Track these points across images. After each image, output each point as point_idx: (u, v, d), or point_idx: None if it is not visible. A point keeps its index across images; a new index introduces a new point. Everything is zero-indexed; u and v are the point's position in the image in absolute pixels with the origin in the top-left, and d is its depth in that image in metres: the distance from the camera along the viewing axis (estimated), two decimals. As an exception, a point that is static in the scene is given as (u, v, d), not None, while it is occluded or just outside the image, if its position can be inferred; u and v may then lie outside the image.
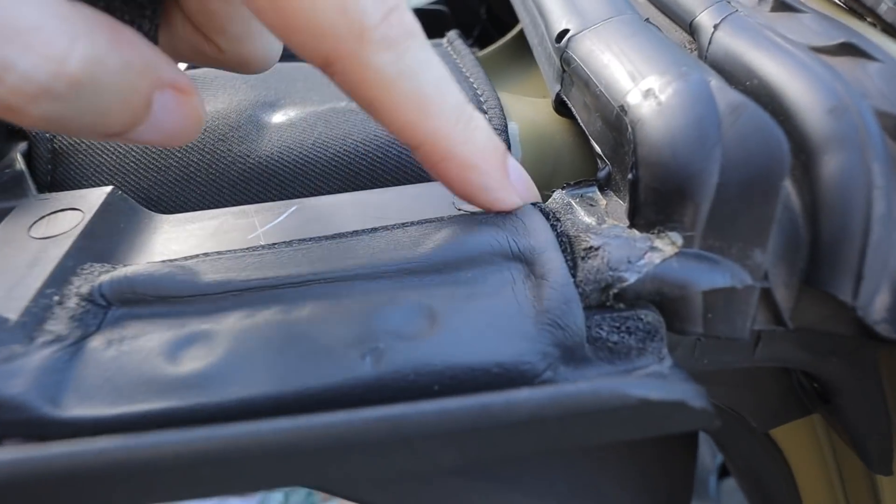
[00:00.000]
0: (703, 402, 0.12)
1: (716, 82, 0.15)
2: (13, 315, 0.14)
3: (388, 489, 0.24)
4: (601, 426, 0.12)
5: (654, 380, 0.12)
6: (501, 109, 0.22)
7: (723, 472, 0.58)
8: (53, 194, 0.19)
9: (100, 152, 0.22)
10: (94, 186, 0.22)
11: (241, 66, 0.18)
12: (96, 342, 0.14)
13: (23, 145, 0.22)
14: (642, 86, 0.16)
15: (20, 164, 0.21)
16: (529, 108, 0.24)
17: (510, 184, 0.16)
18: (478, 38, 0.38)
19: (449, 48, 0.28)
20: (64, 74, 0.12)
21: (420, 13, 0.35)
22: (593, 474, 0.28)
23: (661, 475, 0.30)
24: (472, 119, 0.15)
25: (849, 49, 0.16)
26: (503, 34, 0.35)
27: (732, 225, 0.14)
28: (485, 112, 0.23)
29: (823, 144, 0.15)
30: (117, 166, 0.22)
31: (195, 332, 0.14)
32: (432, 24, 0.35)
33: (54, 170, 0.22)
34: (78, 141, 0.22)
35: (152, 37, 0.15)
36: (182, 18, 0.16)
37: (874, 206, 0.14)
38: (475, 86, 0.24)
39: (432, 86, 0.14)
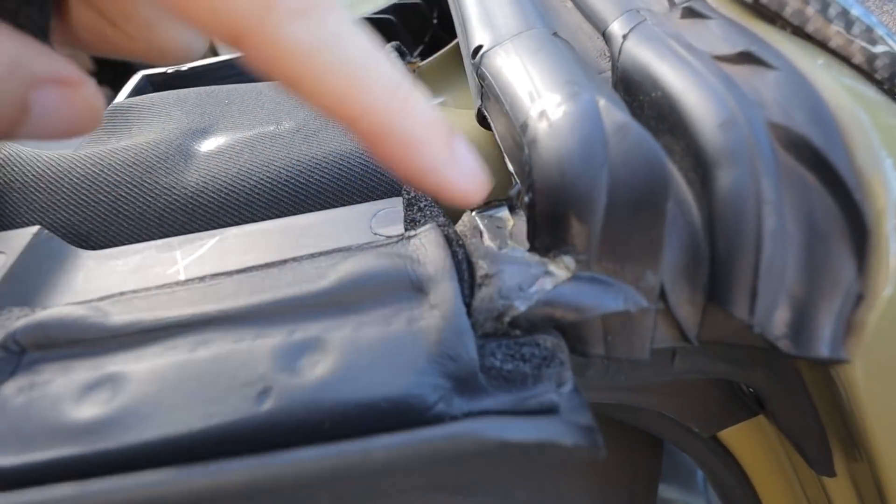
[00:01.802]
0: (577, 439, 0.12)
1: (604, 102, 0.15)
2: None
3: None
4: (465, 468, 0.12)
5: (523, 420, 0.12)
6: (428, 125, 0.22)
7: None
8: None
9: (32, 189, 0.22)
10: (26, 222, 0.22)
11: (157, 56, 0.16)
12: (8, 390, 0.14)
13: (-44, 185, 0.23)
14: (538, 106, 0.16)
15: None
16: (457, 119, 0.24)
17: (458, 163, 0.14)
18: (429, 42, 0.37)
19: (386, 62, 0.28)
20: None
21: (369, 23, 0.35)
22: (555, 480, 0.28)
23: (624, 480, 0.30)
24: (413, 89, 0.13)
25: (748, 57, 0.16)
26: (455, 38, 0.35)
27: (624, 247, 0.14)
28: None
29: (715, 159, 0.14)
30: (49, 203, 0.22)
31: (102, 375, 0.15)
32: (380, 33, 0.35)
33: (-13, 208, 0.22)
34: (11, 179, 0.22)
35: (41, 24, 0.14)
36: (85, 5, 0.14)
37: (765, 222, 0.14)
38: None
39: (360, 55, 0.12)
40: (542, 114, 0.15)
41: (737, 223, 0.14)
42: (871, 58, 0.17)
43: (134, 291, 0.17)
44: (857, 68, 0.18)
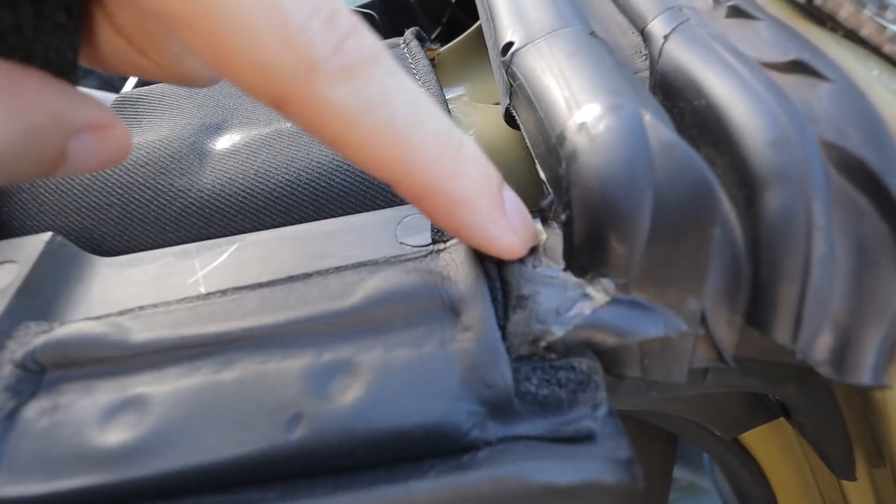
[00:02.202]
0: (619, 475, 0.12)
1: (650, 117, 0.14)
2: None
3: None
4: None
5: (562, 460, 0.12)
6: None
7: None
8: None
9: (42, 192, 0.21)
10: (37, 226, 0.21)
11: (182, 81, 0.16)
12: (30, 412, 0.14)
13: (-33, 183, 0.22)
14: (577, 117, 0.15)
15: None
16: (483, 117, 0.23)
17: (506, 220, 0.14)
18: (447, 24, 0.36)
19: (405, 50, 0.26)
20: None
21: (384, 4, 0.33)
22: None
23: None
24: (462, 147, 0.13)
25: (800, 67, 0.15)
26: (475, 19, 0.33)
27: (667, 272, 0.14)
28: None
29: (764, 180, 0.14)
30: (60, 206, 0.21)
31: (127, 397, 0.14)
32: (397, 15, 0.34)
33: None
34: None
35: (71, 58, 0.14)
36: (112, 31, 0.14)
37: (814, 248, 0.13)
38: (427, 96, 0.23)
39: (407, 114, 0.12)
40: (582, 126, 0.15)
41: (784, 249, 0.14)
42: (926, 64, 0.16)
43: (154, 306, 0.17)
44: (908, 74, 0.17)
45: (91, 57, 0.14)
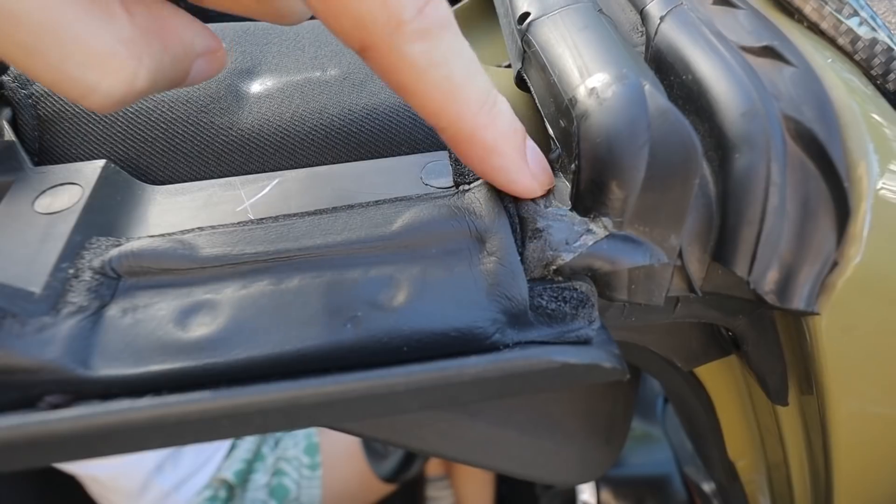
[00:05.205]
0: (614, 363, 0.15)
1: (649, 87, 0.17)
2: (37, 289, 0.16)
3: (367, 420, 0.27)
4: (534, 382, 0.15)
5: (574, 347, 0.15)
6: (468, 83, 0.24)
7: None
8: (49, 168, 0.21)
9: (86, 121, 0.23)
10: (81, 154, 0.23)
11: (275, 19, 0.19)
12: (113, 311, 0.17)
13: (6, 111, 0.23)
14: (588, 83, 0.18)
15: (9, 132, 0.22)
16: (494, 78, 0.25)
17: (528, 167, 0.17)
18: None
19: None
20: (134, 91, 0.15)
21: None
22: (547, 405, 0.33)
23: (605, 406, 0.34)
24: (496, 104, 0.16)
25: (770, 52, 0.18)
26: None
27: (654, 213, 0.17)
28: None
29: (735, 144, 0.17)
30: (104, 136, 0.23)
31: (199, 301, 0.17)
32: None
33: (41, 136, 0.23)
34: (63, 108, 0.23)
35: None
36: None
37: (770, 200, 0.17)
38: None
39: (461, 73, 0.15)
40: (593, 91, 0.18)
41: (747, 200, 0.17)
42: (871, 56, 0.20)
43: (212, 227, 0.19)
44: (857, 63, 0.20)
45: None
